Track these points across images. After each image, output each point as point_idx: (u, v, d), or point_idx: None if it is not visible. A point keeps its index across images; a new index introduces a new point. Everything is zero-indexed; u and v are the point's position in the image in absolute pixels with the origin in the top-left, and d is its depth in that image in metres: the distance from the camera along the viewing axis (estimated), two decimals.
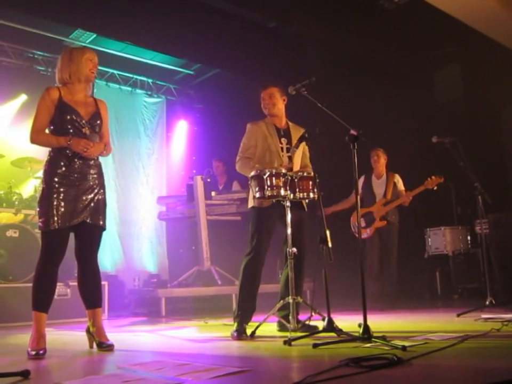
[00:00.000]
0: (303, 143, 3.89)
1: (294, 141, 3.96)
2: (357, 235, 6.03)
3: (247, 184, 3.99)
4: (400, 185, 6.06)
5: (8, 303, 4.95)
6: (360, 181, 6.23)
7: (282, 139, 4.03)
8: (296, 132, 4.05)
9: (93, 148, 3.23)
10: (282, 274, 4.05)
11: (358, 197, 3.31)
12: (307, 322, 3.63)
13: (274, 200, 3.81)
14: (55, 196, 3.17)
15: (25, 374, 2.29)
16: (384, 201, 5.96)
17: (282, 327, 3.86)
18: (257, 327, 3.59)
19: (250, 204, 4.03)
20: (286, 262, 3.91)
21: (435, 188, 5.72)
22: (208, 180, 6.68)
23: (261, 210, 3.91)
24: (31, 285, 3.19)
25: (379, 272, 5.87)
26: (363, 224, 5.96)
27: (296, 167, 4.02)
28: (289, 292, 3.63)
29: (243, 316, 3.75)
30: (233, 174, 6.84)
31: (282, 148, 4.01)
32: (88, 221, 3.24)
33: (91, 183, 3.30)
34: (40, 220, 3.18)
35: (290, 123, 4.18)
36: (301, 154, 4.11)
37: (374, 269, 5.89)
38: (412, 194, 5.84)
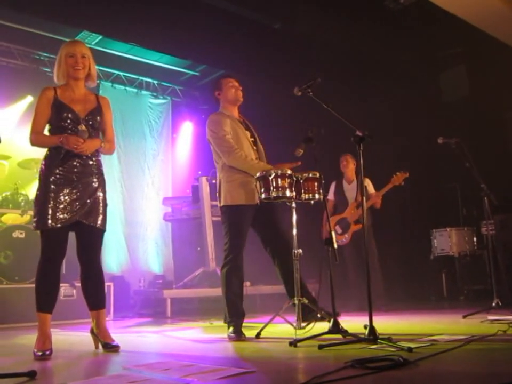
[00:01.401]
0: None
1: (256, 134, 4.00)
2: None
3: None
4: (371, 188, 6.04)
5: (14, 304, 4.98)
6: (332, 187, 6.27)
7: (246, 131, 3.97)
8: (252, 126, 4.06)
9: (84, 144, 3.15)
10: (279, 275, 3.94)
11: (364, 198, 3.27)
12: (318, 315, 3.59)
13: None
14: (50, 195, 3.13)
15: (31, 374, 2.29)
16: (356, 204, 5.93)
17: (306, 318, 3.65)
18: (262, 328, 3.59)
19: (227, 201, 3.76)
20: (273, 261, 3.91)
21: (402, 184, 5.72)
22: (214, 181, 6.68)
23: (242, 210, 3.70)
24: None
25: (359, 278, 5.69)
26: (339, 230, 5.94)
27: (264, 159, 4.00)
28: (295, 293, 3.62)
29: (237, 320, 3.65)
30: None
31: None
32: (85, 221, 3.19)
33: (89, 183, 3.24)
34: (34, 220, 3.18)
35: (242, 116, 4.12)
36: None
37: (352, 275, 5.85)
38: (381, 194, 5.82)
